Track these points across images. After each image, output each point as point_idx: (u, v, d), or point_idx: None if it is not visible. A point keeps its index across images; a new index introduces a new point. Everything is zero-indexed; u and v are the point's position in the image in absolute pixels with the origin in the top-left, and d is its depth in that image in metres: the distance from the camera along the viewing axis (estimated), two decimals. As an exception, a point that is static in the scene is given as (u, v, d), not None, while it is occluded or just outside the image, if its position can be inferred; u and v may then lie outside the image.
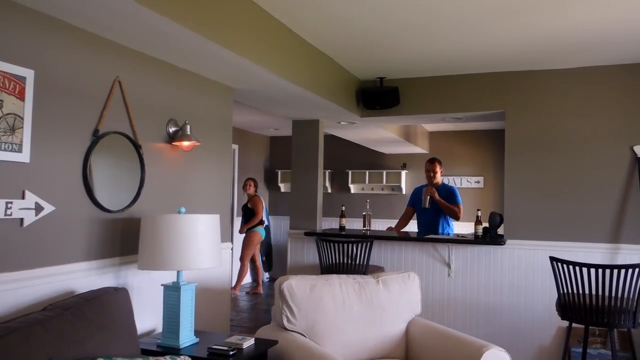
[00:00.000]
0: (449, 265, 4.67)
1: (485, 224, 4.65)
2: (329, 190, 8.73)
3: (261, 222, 7.49)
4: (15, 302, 2.19)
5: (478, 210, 4.77)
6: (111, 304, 2.32)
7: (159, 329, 2.98)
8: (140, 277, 2.89)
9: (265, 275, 8.57)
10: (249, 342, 2.66)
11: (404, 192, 8.28)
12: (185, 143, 3.17)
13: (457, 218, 5.03)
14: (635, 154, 4.20)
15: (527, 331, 4.40)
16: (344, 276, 3.16)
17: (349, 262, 4.37)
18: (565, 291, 3.52)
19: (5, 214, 2.15)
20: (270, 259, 8.81)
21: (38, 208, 2.29)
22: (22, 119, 2.20)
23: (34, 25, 2.28)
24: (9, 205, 2.16)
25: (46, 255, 2.35)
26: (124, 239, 2.80)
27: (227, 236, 3.74)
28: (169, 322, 2.69)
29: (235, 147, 8.07)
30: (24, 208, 2.23)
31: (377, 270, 4.56)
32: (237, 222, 7.89)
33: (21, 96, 2.20)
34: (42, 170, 2.32)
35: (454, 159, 8.06)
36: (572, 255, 3.92)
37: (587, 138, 4.35)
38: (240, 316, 6.15)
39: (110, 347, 2.15)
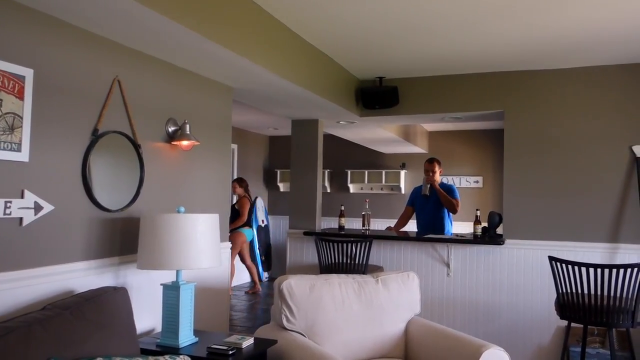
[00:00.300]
0: (448, 265, 4.68)
1: (485, 224, 4.66)
2: (328, 190, 8.73)
3: (248, 224, 7.37)
4: (15, 302, 2.19)
5: (477, 210, 4.78)
6: (110, 304, 2.32)
7: (158, 329, 2.98)
8: (139, 277, 2.89)
9: (263, 274, 8.57)
10: (248, 342, 2.66)
11: (403, 192, 8.28)
12: (185, 142, 3.17)
13: (454, 210, 5.10)
14: (634, 153, 4.21)
15: (526, 330, 4.41)
16: (343, 276, 3.16)
17: (348, 261, 4.37)
18: (564, 291, 3.53)
19: (5, 214, 2.15)
20: (270, 259, 8.82)
21: (37, 207, 2.28)
22: (22, 118, 2.20)
23: (33, 24, 2.28)
24: (8, 204, 2.16)
25: (45, 255, 2.35)
26: (123, 239, 2.80)
27: (226, 236, 3.74)
28: (168, 321, 2.68)
29: (235, 146, 8.07)
30: (23, 207, 2.22)
31: (376, 269, 4.56)
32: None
33: (20, 95, 2.19)
34: (41, 169, 2.32)
35: (453, 158, 8.07)
36: (571, 255, 3.93)
37: (586, 138, 4.35)
38: (240, 316, 6.15)
39: (110, 347, 2.15)
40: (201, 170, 3.46)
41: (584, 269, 3.40)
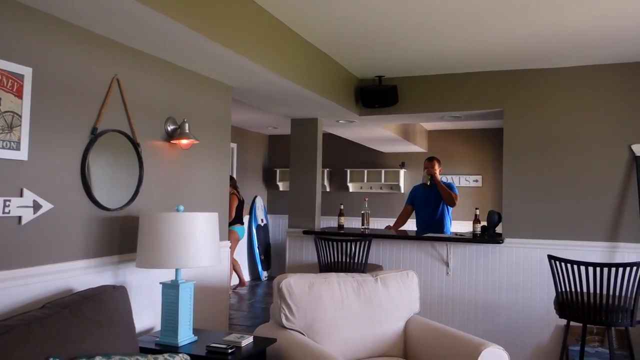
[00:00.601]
0: (447, 264, 4.68)
1: (484, 223, 4.66)
2: (328, 189, 8.73)
3: (239, 221, 7.30)
4: (14, 300, 2.19)
5: (476, 208, 4.78)
6: (110, 302, 2.32)
7: (158, 327, 2.98)
8: (138, 275, 2.89)
9: (263, 273, 8.57)
10: (247, 341, 2.66)
11: (402, 191, 8.29)
12: (184, 141, 3.17)
13: (452, 203, 5.15)
14: (633, 152, 4.21)
15: (525, 329, 4.41)
16: (342, 274, 3.16)
17: (348, 260, 4.38)
18: (563, 289, 3.53)
19: (4, 212, 2.15)
20: (269, 258, 8.82)
21: (36, 206, 2.28)
22: (20, 116, 2.20)
23: (32, 23, 2.27)
24: (7, 203, 2.16)
25: (44, 254, 2.35)
26: (122, 237, 2.80)
27: (225, 234, 3.74)
28: (168, 320, 2.69)
29: (234, 145, 8.07)
30: (22, 206, 2.22)
31: (375, 268, 4.56)
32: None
33: (19, 94, 2.19)
34: (40, 168, 2.32)
35: (452, 157, 8.07)
36: (570, 254, 3.93)
37: (585, 136, 4.36)
38: (239, 314, 6.15)
39: (109, 345, 2.15)
40: (200, 169, 3.46)
41: (583, 268, 3.40)
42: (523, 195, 4.50)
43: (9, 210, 2.17)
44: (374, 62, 4.50)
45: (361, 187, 8.64)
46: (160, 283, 2.75)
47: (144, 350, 2.54)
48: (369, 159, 8.60)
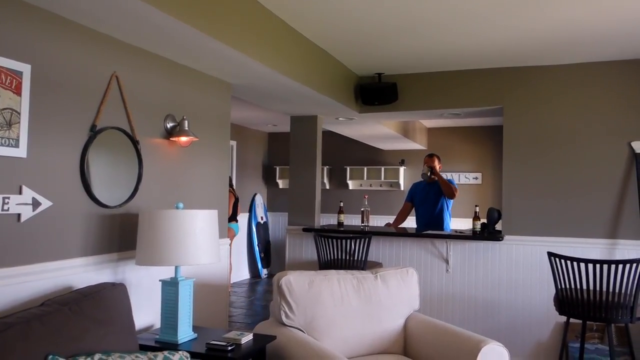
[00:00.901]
0: (447, 261, 4.68)
1: (484, 220, 4.66)
2: (327, 187, 8.72)
3: (234, 218, 7.25)
4: (13, 298, 2.19)
5: (476, 206, 4.78)
6: (109, 300, 2.31)
7: (157, 325, 2.98)
8: (138, 273, 2.89)
9: (262, 271, 8.57)
10: (247, 338, 2.66)
11: (402, 188, 8.28)
12: (183, 139, 3.17)
13: (452, 194, 5.17)
14: (633, 149, 4.21)
15: (525, 326, 4.41)
16: (342, 272, 3.16)
17: (348, 258, 4.38)
18: (563, 286, 3.53)
19: (3, 210, 2.14)
20: (269, 255, 8.82)
21: (35, 203, 2.28)
22: (19, 113, 2.19)
23: (31, 20, 2.27)
24: (6, 200, 2.15)
25: (44, 251, 2.34)
26: (121, 235, 2.79)
27: (225, 232, 3.74)
28: (167, 317, 2.68)
29: (234, 143, 8.06)
30: (21, 203, 2.22)
31: (375, 266, 4.56)
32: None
33: (18, 91, 2.19)
34: (39, 165, 2.31)
35: (452, 155, 8.07)
36: (569, 251, 3.93)
37: (585, 134, 4.35)
38: (239, 312, 6.16)
39: (108, 343, 2.15)
40: (200, 167, 3.46)
41: (583, 265, 3.40)
42: (523, 193, 4.50)
43: (8, 208, 2.16)
44: (373, 59, 4.49)
45: (361, 185, 8.63)
46: (160, 280, 2.75)
47: (144, 348, 2.54)
48: (368, 156, 8.59)
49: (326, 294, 2.96)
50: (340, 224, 5.24)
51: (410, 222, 5.65)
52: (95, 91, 2.62)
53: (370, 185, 8.57)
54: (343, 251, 4.38)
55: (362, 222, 5.17)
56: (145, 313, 2.93)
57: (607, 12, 3.23)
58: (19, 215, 2.22)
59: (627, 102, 4.25)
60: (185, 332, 2.70)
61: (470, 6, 3.19)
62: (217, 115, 3.65)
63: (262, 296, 7.16)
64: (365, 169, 8.51)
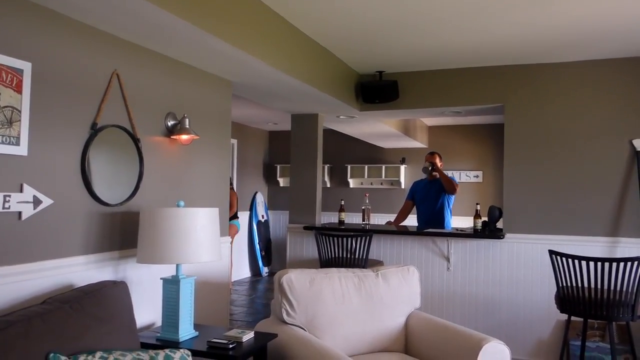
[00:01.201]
0: (448, 259, 4.68)
1: (485, 218, 4.66)
2: (328, 185, 8.72)
3: (236, 216, 7.34)
4: (14, 296, 2.19)
5: (477, 204, 4.77)
6: (110, 298, 2.31)
7: (159, 323, 2.98)
8: (139, 271, 2.89)
9: (263, 269, 8.57)
10: (248, 336, 2.65)
11: (402, 187, 8.28)
12: (184, 137, 3.16)
13: (453, 189, 5.17)
14: (634, 147, 4.20)
15: (526, 324, 4.41)
16: (343, 270, 3.15)
17: (348, 256, 4.37)
18: (565, 284, 3.53)
19: (4, 208, 2.14)
20: (270, 254, 8.82)
21: (36, 201, 2.28)
22: (20, 111, 2.19)
23: (32, 18, 2.26)
24: (7, 198, 2.15)
25: (45, 249, 2.34)
26: (122, 233, 2.79)
27: (226, 230, 3.73)
28: (169, 315, 2.68)
29: (234, 141, 8.06)
30: (22, 201, 2.22)
31: (376, 264, 4.56)
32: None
33: (18, 89, 2.18)
34: (40, 163, 2.31)
35: (453, 153, 8.06)
36: (571, 249, 3.93)
37: (586, 132, 4.35)
38: (240, 310, 6.16)
39: (110, 341, 2.15)
40: (201, 165, 3.46)
41: (584, 263, 3.40)
42: (524, 191, 4.50)
43: (9, 206, 2.16)
44: (374, 57, 4.48)
45: (362, 183, 8.63)
46: (161, 278, 2.75)
47: (145, 346, 2.54)
48: (369, 154, 8.59)
49: (327, 292, 2.96)
50: (341, 222, 5.24)
51: (411, 221, 5.65)
52: (96, 89, 2.62)
53: (371, 184, 8.56)
54: (344, 249, 4.37)
55: (363, 220, 5.17)
56: (147, 311, 2.93)
57: (609, 9, 3.23)
58: (19, 213, 2.22)
59: (628, 99, 4.24)
60: (186, 330, 2.70)
61: (471, 4, 3.18)
62: (218, 113, 3.65)
63: (263, 294, 7.17)
64: (366, 167, 8.51)
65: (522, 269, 4.46)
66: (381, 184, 8.52)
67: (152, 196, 3.00)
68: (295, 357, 2.61)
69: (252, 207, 8.51)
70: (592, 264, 3.36)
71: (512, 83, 4.59)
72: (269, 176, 9.15)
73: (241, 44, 2.97)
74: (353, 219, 7.41)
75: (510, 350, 2.72)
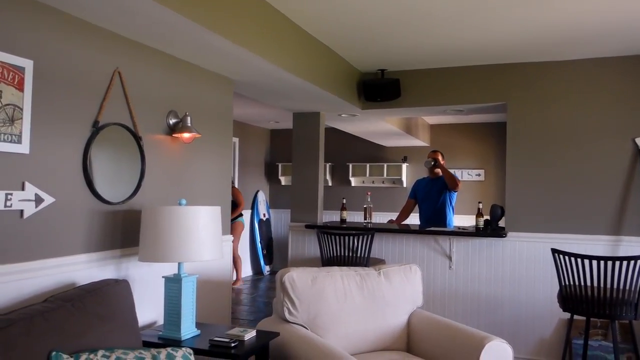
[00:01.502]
0: (450, 258, 4.67)
1: (487, 217, 4.65)
2: (330, 184, 8.71)
3: (240, 213, 7.40)
4: (16, 294, 2.19)
5: (479, 202, 4.77)
6: (112, 296, 2.31)
7: (161, 321, 2.98)
8: (141, 269, 2.89)
9: (265, 268, 8.57)
10: (250, 334, 2.65)
11: (404, 185, 8.27)
12: (186, 135, 3.16)
13: (455, 185, 5.16)
14: (637, 145, 4.18)
15: (529, 323, 4.40)
16: (345, 268, 3.15)
17: (350, 254, 4.37)
18: (567, 283, 3.52)
19: (5, 206, 2.14)
20: (271, 252, 8.82)
21: (38, 200, 2.28)
22: (22, 109, 2.19)
23: (33, 15, 2.26)
24: (9, 196, 2.15)
25: (47, 247, 2.34)
26: (124, 231, 2.79)
27: (228, 228, 3.73)
28: (170, 314, 2.68)
29: (236, 140, 8.05)
30: (24, 199, 2.22)
31: (378, 262, 4.55)
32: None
33: (20, 87, 2.18)
34: (41, 161, 2.31)
35: (455, 152, 8.04)
36: (573, 248, 3.92)
37: (589, 130, 4.33)
38: (242, 309, 6.16)
39: (112, 339, 2.14)
40: (202, 163, 3.45)
41: (587, 262, 3.39)
42: (526, 189, 4.49)
43: (11, 204, 2.16)
44: (376, 56, 4.47)
45: (363, 182, 8.62)
46: (163, 277, 2.75)
47: (147, 344, 2.54)
48: (371, 153, 8.58)
49: (329, 290, 2.96)
50: (343, 220, 5.23)
51: (413, 219, 5.64)
52: (98, 87, 2.61)
53: (373, 182, 8.55)
54: (346, 248, 4.37)
55: (365, 218, 5.17)
56: (149, 309, 2.93)
57: (612, 6, 3.21)
58: (21, 211, 2.22)
59: (631, 98, 4.23)
60: (188, 329, 2.69)
61: (473, 2, 3.17)
62: (219, 111, 3.65)
63: (265, 293, 7.16)
64: (368, 165, 8.50)
65: (524, 267, 4.45)
66: (383, 182, 8.51)
67: (154, 194, 3.00)
68: (297, 355, 2.61)
69: (253, 206, 8.50)
70: (594, 262, 3.35)
71: (515, 81, 4.57)
72: (271, 175, 9.15)
73: (243, 41, 2.96)
74: (355, 217, 7.40)
75: (512, 349, 2.71)
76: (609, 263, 3.30)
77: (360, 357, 2.86)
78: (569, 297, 3.50)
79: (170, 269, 2.92)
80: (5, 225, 2.16)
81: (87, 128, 2.55)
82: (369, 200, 5.27)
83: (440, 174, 5.31)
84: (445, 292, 4.68)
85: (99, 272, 2.61)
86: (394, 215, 5.84)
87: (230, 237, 3.81)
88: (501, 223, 4.64)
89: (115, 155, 2.75)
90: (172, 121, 3.14)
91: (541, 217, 4.42)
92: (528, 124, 4.51)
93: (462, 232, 4.54)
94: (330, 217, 7.15)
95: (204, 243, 2.64)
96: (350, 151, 8.62)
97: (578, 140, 4.35)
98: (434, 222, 5.20)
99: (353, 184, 8.64)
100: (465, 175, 8.05)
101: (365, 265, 4.28)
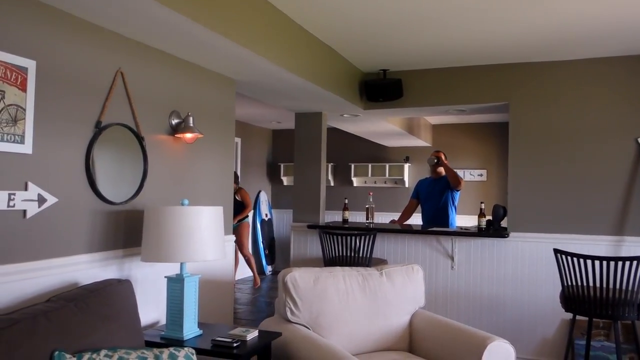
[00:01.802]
0: (452, 258, 4.67)
1: (489, 217, 4.64)
2: (332, 184, 8.71)
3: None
4: (19, 294, 2.19)
5: (481, 202, 4.76)
6: (115, 296, 2.31)
7: (163, 321, 2.98)
8: (143, 269, 2.89)
9: (267, 268, 8.58)
10: (252, 334, 2.65)
11: (406, 185, 8.27)
12: (188, 135, 3.16)
13: (458, 183, 5.16)
14: (639, 145, 4.18)
15: (531, 323, 4.40)
16: (347, 269, 3.15)
17: (352, 254, 4.37)
18: (570, 283, 3.51)
19: (9, 206, 2.14)
20: (273, 252, 8.83)
21: (41, 200, 2.28)
22: (24, 110, 2.19)
23: (36, 16, 2.26)
24: (12, 196, 2.16)
25: (49, 247, 2.35)
26: (127, 231, 2.79)
27: (230, 228, 3.73)
28: (173, 314, 2.68)
29: (238, 140, 8.06)
30: (26, 199, 2.22)
31: (380, 262, 4.55)
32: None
33: (23, 87, 2.19)
34: (44, 161, 2.31)
35: (457, 152, 8.04)
36: (576, 248, 3.91)
37: (591, 130, 4.32)
38: (244, 309, 6.16)
39: (114, 339, 2.15)
40: (205, 163, 3.46)
41: (589, 262, 3.38)
42: (528, 189, 4.48)
43: (14, 204, 2.16)
44: (378, 56, 4.47)
45: (365, 182, 8.62)
46: (165, 277, 2.75)
47: (150, 344, 2.54)
48: (373, 153, 8.58)
49: (331, 290, 2.96)
50: (345, 220, 5.23)
51: (415, 219, 5.64)
52: (101, 87, 2.62)
53: (375, 182, 8.55)
54: (348, 248, 4.37)
55: (367, 219, 5.17)
56: (151, 309, 2.93)
57: (614, 7, 3.21)
58: (24, 211, 2.22)
59: (634, 97, 4.22)
60: (190, 329, 2.70)
61: (475, 2, 3.17)
62: (221, 111, 3.65)
63: (267, 293, 7.17)
64: (370, 165, 8.50)
65: (526, 267, 4.44)
66: (385, 182, 8.51)
67: (157, 195, 3.00)
68: (299, 356, 2.61)
69: (256, 206, 8.51)
70: (597, 262, 3.34)
71: (517, 81, 4.56)
72: (273, 175, 9.15)
73: (246, 42, 2.96)
74: (357, 217, 7.40)
75: (514, 349, 2.71)
76: (612, 263, 3.30)
77: (362, 357, 2.86)
78: (571, 298, 3.50)
79: (172, 269, 2.92)
80: (8, 225, 2.16)
81: (89, 128, 2.55)
82: (370, 200, 5.27)
83: (443, 173, 5.31)
84: (447, 292, 4.68)
85: (101, 272, 2.61)
86: (396, 216, 5.84)
87: (233, 238, 3.81)
88: (503, 223, 4.64)
89: (118, 155, 2.75)
90: (174, 121, 3.14)
91: (543, 217, 4.41)
92: (530, 123, 4.51)
93: (464, 233, 4.54)
94: (332, 217, 7.15)
95: (206, 243, 2.64)
96: (352, 151, 8.62)
97: (580, 141, 4.35)
98: (437, 222, 5.20)
99: (355, 184, 8.64)
100: (468, 175, 8.05)
101: (368, 266, 4.27)
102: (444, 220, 5.23)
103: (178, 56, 3.16)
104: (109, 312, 2.22)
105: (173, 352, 2.17)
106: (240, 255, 7.39)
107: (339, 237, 4.39)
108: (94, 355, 1.96)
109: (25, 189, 2.22)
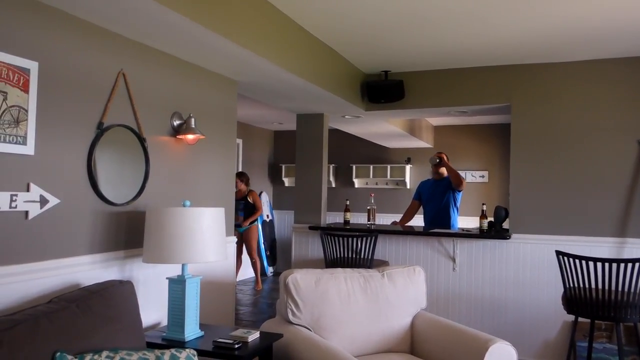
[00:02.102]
0: (454, 260, 4.66)
1: (491, 218, 4.63)
2: (333, 185, 8.71)
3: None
4: (21, 295, 2.19)
5: (483, 204, 4.76)
6: (116, 297, 2.31)
7: (164, 322, 2.98)
8: (145, 271, 2.89)
9: (268, 269, 8.57)
10: (254, 336, 2.65)
11: (408, 187, 8.26)
12: (190, 136, 3.17)
13: (459, 183, 5.15)
14: (642, 147, 4.17)
15: (533, 325, 4.39)
16: (349, 270, 3.15)
17: (354, 256, 4.36)
18: (572, 285, 3.51)
19: (10, 207, 2.15)
20: (274, 253, 8.82)
21: (43, 201, 2.28)
22: (27, 111, 2.20)
23: (38, 17, 2.27)
24: (14, 197, 2.16)
25: (51, 248, 2.35)
26: (128, 232, 2.80)
27: (231, 230, 3.73)
28: (174, 315, 2.68)
29: (240, 141, 8.06)
30: (28, 201, 2.22)
31: (381, 264, 4.55)
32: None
33: (25, 88, 2.19)
34: (46, 162, 2.31)
35: (458, 153, 8.03)
36: (578, 250, 3.91)
37: (593, 131, 4.32)
38: (245, 310, 6.16)
39: (116, 340, 2.15)
40: (206, 164, 3.46)
41: (591, 264, 3.37)
42: (530, 191, 4.48)
43: (16, 205, 2.17)
44: (380, 57, 4.47)
45: (367, 183, 8.62)
46: (167, 278, 2.75)
47: (151, 346, 2.54)
48: (374, 154, 8.57)
49: (333, 292, 2.95)
50: (346, 222, 5.23)
51: (417, 221, 5.63)
52: (103, 89, 2.62)
53: (376, 184, 8.55)
54: (349, 249, 4.36)
55: (369, 220, 5.16)
56: (152, 311, 2.93)
57: (615, 8, 3.20)
58: (26, 212, 2.22)
59: (635, 99, 4.21)
60: (192, 330, 2.70)
61: (477, 4, 3.17)
62: (223, 113, 3.65)
63: (268, 294, 7.16)
64: (371, 167, 8.49)
65: (528, 269, 4.43)
66: (386, 184, 8.51)
67: (158, 196, 3.00)
68: (300, 357, 2.60)
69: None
70: (599, 264, 3.34)
71: (519, 82, 4.56)
72: (274, 176, 9.16)
73: (247, 43, 2.96)
74: (358, 219, 7.39)
75: (516, 351, 2.70)
76: (614, 265, 3.29)
77: (364, 359, 2.85)
78: (573, 300, 3.49)
79: (174, 270, 2.92)
80: (10, 226, 2.17)
81: (91, 129, 2.55)
82: (372, 201, 5.27)
83: (445, 174, 5.30)
84: (449, 294, 4.67)
85: (103, 273, 2.62)
86: (397, 217, 5.83)
87: (234, 239, 3.81)
88: (505, 225, 4.63)
89: (120, 156, 2.76)
90: (176, 122, 3.15)
91: (545, 218, 4.40)
92: (532, 125, 4.50)
93: (465, 234, 4.54)
94: (333, 218, 7.15)
95: (208, 244, 2.64)
96: (354, 152, 8.62)
97: (582, 142, 4.34)
98: (438, 223, 5.20)
99: (356, 186, 8.63)
100: (469, 176, 8.04)
101: (369, 267, 4.27)
102: (446, 221, 5.22)
103: (180, 57, 3.17)
104: (110, 313, 2.21)
105: (174, 354, 2.17)
106: (244, 257, 7.40)
107: (341, 239, 4.38)
108: (96, 357, 1.96)
109: (27, 190, 2.22)
